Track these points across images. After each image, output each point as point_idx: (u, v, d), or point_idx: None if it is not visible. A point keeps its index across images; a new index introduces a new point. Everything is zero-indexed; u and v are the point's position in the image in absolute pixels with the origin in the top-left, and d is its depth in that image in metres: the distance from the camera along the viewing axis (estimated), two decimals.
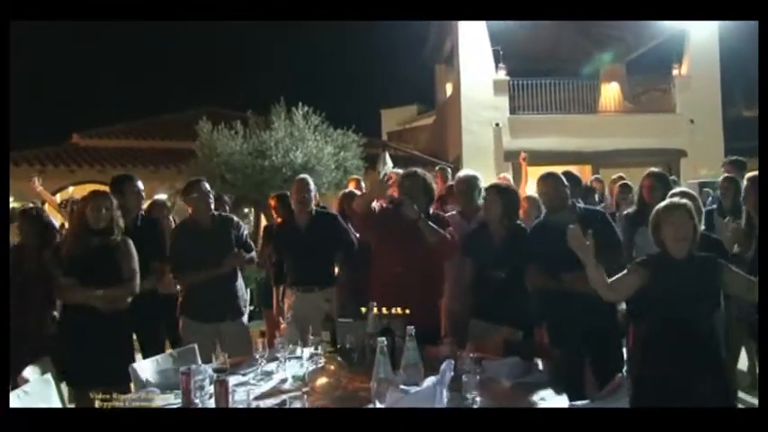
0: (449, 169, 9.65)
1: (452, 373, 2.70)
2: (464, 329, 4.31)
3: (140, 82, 33.89)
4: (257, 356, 3.53)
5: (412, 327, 2.82)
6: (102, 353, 4.01)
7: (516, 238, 4.50)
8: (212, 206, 4.97)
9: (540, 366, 3.63)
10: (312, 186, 5.26)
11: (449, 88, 20.34)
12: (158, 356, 3.70)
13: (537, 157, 16.77)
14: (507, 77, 17.08)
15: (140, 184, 4.91)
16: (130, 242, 4.32)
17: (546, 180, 4.49)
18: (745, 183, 5.09)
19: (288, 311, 5.21)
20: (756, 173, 4.80)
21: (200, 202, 4.84)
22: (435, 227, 4.25)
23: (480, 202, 4.88)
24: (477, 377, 2.69)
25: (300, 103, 13.28)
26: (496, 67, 17.04)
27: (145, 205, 5.66)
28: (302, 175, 5.44)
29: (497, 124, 16.89)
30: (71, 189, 14.93)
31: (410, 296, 3.94)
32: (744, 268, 3.50)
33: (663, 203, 3.43)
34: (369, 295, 4.08)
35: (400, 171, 5.98)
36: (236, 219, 5.16)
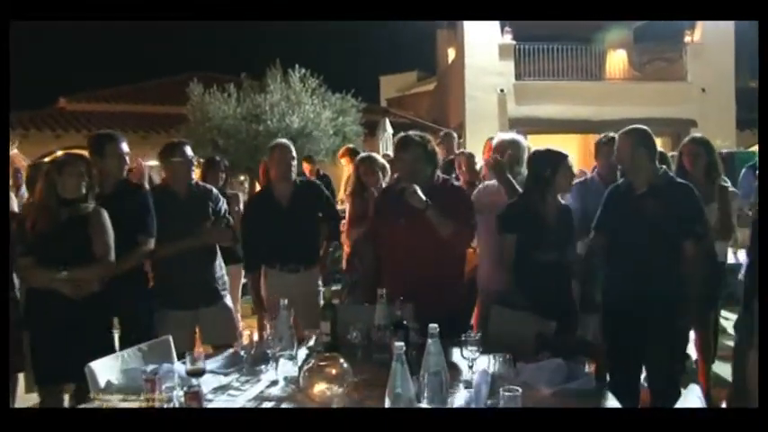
0: (454, 135, 9.07)
1: (489, 387, 2.13)
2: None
3: (131, 46, 32.88)
4: (242, 353, 2.95)
5: (435, 325, 2.21)
6: (71, 345, 3.43)
7: (565, 213, 3.96)
8: (193, 175, 4.37)
9: (588, 369, 3.05)
10: (294, 153, 4.63)
11: (451, 53, 19.76)
12: (124, 352, 3.09)
13: (542, 125, 16.44)
14: (513, 42, 16.45)
15: (125, 146, 4.19)
16: (104, 213, 3.69)
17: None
18: None
19: (267, 298, 4.60)
20: None
21: (182, 168, 4.23)
22: (444, 218, 3.63)
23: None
24: (519, 393, 2.09)
25: (297, 66, 12.70)
26: (502, 30, 16.39)
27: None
28: (283, 140, 4.76)
29: (502, 90, 16.32)
30: (59, 154, 14.33)
31: (425, 289, 3.43)
32: None
33: None
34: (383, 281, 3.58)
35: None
36: (215, 190, 4.54)
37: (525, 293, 3.69)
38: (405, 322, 2.79)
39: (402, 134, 3.96)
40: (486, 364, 2.42)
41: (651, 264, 3.64)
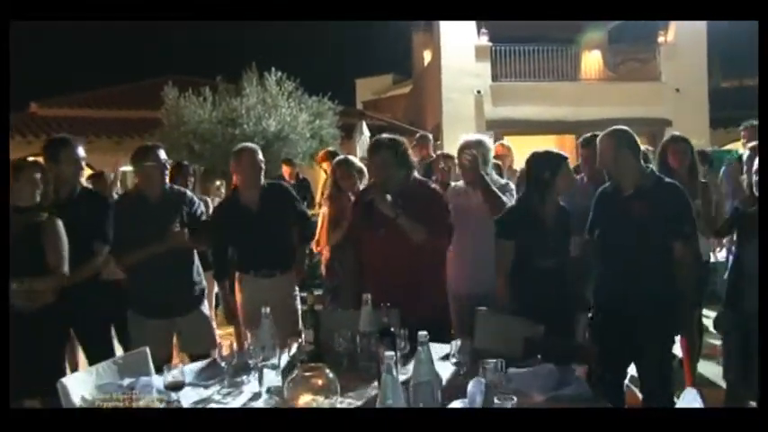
0: (430, 136, 9.05)
1: (483, 397, 2.05)
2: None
3: (104, 49, 32.41)
4: (223, 364, 2.84)
5: (425, 333, 2.13)
6: (27, 359, 3.30)
7: (563, 216, 3.89)
8: (166, 179, 4.22)
9: (578, 373, 2.98)
10: (261, 157, 4.47)
11: (427, 56, 19.70)
12: (99, 366, 2.95)
13: (519, 126, 16.44)
14: (489, 43, 16.43)
15: (81, 151, 4.05)
16: (58, 222, 3.57)
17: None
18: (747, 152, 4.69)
19: (242, 306, 4.46)
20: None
21: (155, 172, 4.08)
22: (415, 224, 3.57)
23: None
24: (514, 401, 2.02)
25: (273, 69, 12.57)
26: (478, 32, 16.38)
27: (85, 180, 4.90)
28: (250, 145, 4.62)
29: (479, 92, 16.28)
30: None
31: (405, 294, 3.37)
32: None
33: None
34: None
35: None
36: (189, 194, 4.43)
37: (522, 299, 3.62)
38: (392, 329, 2.69)
39: (374, 138, 3.91)
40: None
41: (641, 265, 3.59)
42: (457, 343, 2.75)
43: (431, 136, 8.49)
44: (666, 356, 3.72)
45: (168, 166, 4.24)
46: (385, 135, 3.87)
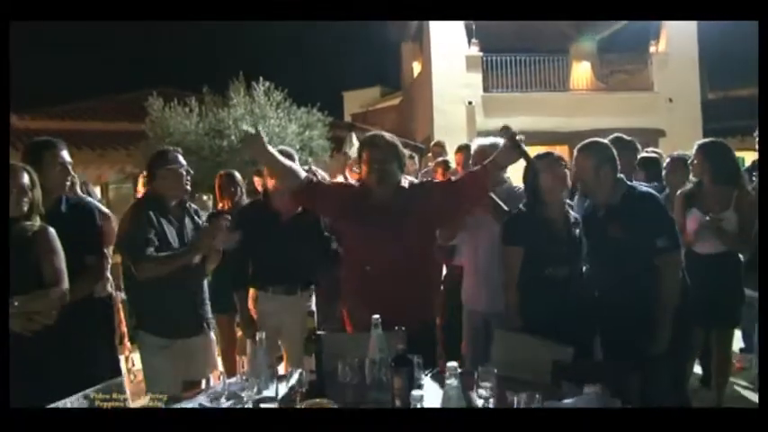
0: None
1: None
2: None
3: (87, 60, 31.89)
4: (207, 402, 2.50)
5: (455, 364, 1.80)
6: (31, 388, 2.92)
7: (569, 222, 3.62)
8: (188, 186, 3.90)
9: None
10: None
11: (416, 67, 19.55)
12: (68, 399, 2.59)
13: None
14: (480, 53, 16.22)
15: (66, 155, 3.65)
16: (52, 232, 3.17)
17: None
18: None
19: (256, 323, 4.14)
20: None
21: (181, 176, 3.75)
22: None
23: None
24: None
25: (261, 78, 12.25)
26: (469, 42, 16.18)
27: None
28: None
29: (470, 102, 16.05)
30: None
31: (397, 305, 3.04)
32: None
33: None
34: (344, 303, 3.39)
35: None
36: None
37: (533, 313, 3.33)
38: (410, 357, 2.36)
39: (370, 133, 3.60)
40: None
41: (626, 284, 3.39)
42: (478, 372, 2.43)
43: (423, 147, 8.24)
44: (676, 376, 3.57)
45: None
46: (381, 132, 3.60)
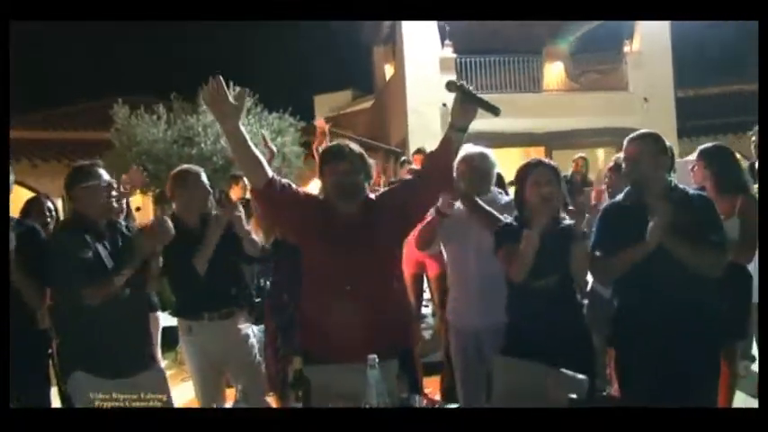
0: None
1: None
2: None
3: (49, 67, 31.15)
4: None
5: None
6: None
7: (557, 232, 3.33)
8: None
9: None
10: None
11: (389, 70, 19.40)
12: None
13: (487, 139, 15.90)
14: (454, 55, 16.06)
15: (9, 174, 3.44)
16: None
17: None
18: None
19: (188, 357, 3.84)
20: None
21: (100, 194, 3.41)
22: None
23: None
24: None
25: (232, 83, 11.89)
26: (442, 43, 16.01)
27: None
28: (195, 167, 4.24)
29: (445, 105, 15.82)
30: None
31: (368, 331, 2.83)
32: None
33: None
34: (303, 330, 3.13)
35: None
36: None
37: (521, 328, 3.09)
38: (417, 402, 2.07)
39: (333, 144, 3.30)
40: None
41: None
42: None
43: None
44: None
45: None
46: (345, 141, 3.29)
